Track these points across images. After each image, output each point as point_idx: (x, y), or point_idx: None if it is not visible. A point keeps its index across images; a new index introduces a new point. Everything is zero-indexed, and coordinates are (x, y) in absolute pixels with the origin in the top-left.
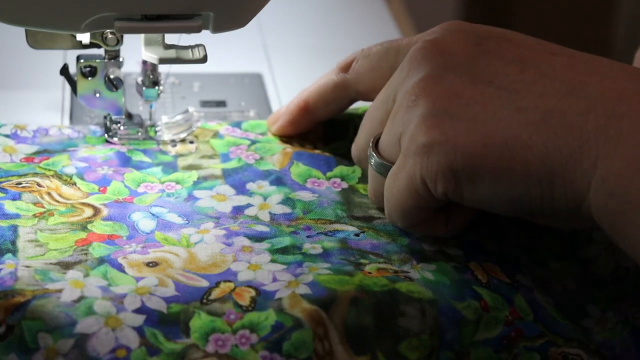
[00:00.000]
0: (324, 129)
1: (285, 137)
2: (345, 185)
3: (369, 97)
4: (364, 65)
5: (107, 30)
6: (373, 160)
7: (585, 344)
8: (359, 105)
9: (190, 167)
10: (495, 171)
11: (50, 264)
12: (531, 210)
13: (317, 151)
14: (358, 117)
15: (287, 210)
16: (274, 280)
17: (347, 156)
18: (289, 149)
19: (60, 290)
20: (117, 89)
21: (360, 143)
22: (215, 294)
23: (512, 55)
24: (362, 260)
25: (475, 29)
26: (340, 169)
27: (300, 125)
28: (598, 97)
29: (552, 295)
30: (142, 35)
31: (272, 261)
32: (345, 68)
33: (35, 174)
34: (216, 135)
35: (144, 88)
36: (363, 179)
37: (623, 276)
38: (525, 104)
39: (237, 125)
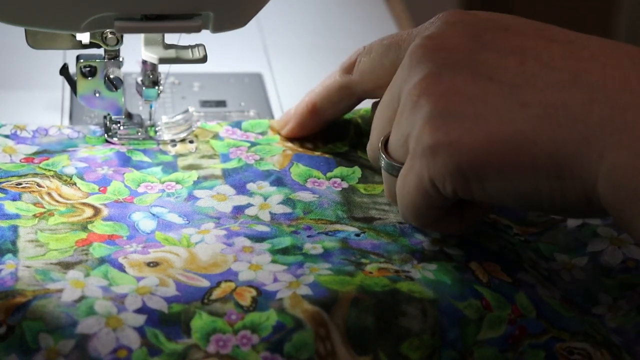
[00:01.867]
0: (324, 129)
1: (288, 139)
2: (345, 185)
3: (375, 95)
4: (366, 64)
5: (107, 30)
6: (383, 162)
7: (592, 336)
8: (360, 107)
9: (190, 167)
10: (502, 168)
11: (51, 264)
12: (542, 205)
13: (317, 153)
14: (359, 117)
15: (288, 210)
16: (275, 280)
17: (347, 157)
18: (288, 151)
19: (60, 290)
20: (117, 89)
21: (373, 143)
22: (216, 294)
23: (511, 47)
24: (363, 260)
25: (474, 19)
26: (341, 169)
27: (309, 127)
28: (600, 87)
29: (561, 285)
30: (142, 35)
31: (273, 262)
32: (349, 69)
33: (35, 175)
34: (216, 136)
35: (144, 88)
36: (363, 179)
37: (633, 267)
38: (527, 98)
39: (237, 125)
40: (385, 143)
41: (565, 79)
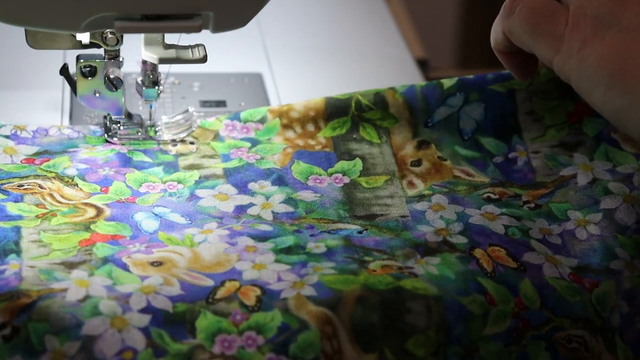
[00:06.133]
0: (325, 104)
1: (288, 125)
2: (347, 180)
3: None
4: None
5: (107, 30)
6: None
7: (592, 321)
8: (360, 89)
9: (191, 167)
10: None
11: (55, 264)
12: None
13: (317, 147)
14: (360, 95)
15: (290, 209)
16: (279, 279)
17: (348, 146)
18: (289, 148)
19: (65, 290)
20: (117, 89)
21: None
22: (220, 293)
23: None
24: (366, 258)
25: None
26: (342, 164)
27: None
28: None
29: (577, 248)
30: (142, 35)
31: (277, 261)
32: None
33: (37, 176)
34: (217, 137)
35: (144, 88)
36: (365, 171)
37: None
38: None
39: (236, 117)
40: None
41: None
